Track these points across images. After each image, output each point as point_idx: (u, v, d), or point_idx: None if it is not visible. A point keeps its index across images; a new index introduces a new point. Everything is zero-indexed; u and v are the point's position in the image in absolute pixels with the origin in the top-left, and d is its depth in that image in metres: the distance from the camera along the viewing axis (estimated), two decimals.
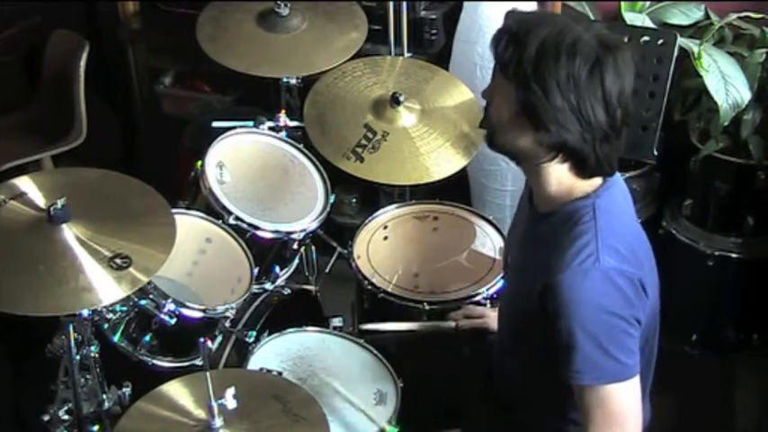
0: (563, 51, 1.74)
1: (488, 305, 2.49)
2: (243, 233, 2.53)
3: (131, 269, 2.03)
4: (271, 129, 2.78)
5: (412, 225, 2.79)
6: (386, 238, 2.76)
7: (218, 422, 1.81)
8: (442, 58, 3.34)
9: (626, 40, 2.69)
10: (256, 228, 2.55)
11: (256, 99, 3.49)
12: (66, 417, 2.34)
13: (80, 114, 3.45)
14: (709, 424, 3.05)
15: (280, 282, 2.68)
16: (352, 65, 2.87)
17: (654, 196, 3.34)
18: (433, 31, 3.43)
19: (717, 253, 3.15)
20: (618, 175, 1.93)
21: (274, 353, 2.35)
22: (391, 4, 3.18)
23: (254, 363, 2.29)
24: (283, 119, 2.80)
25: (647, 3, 3.21)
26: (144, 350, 2.39)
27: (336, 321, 2.52)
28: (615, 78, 1.76)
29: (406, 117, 2.72)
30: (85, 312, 2.17)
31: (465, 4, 3.27)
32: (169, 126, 3.84)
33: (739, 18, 3.06)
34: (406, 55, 3.23)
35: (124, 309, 2.33)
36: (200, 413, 1.86)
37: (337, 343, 2.40)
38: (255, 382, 2.09)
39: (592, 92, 1.75)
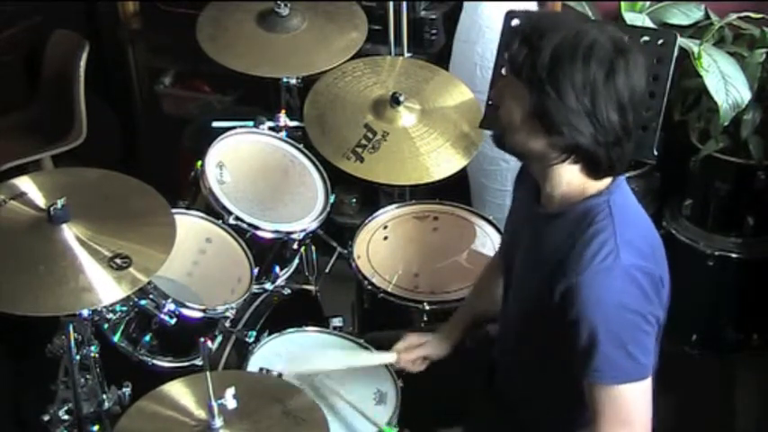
0: (579, 55, 1.73)
1: None
2: (243, 233, 2.53)
3: (131, 269, 2.03)
4: (271, 129, 2.78)
5: (412, 225, 2.79)
6: (386, 238, 2.76)
7: (219, 422, 1.81)
8: (442, 58, 3.34)
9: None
10: (256, 228, 2.55)
11: (256, 99, 3.49)
12: (66, 417, 2.34)
13: (80, 114, 3.44)
14: (709, 424, 3.05)
15: (280, 282, 2.68)
16: (352, 65, 2.87)
17: (654, 196, 3.33)
18: (433, 31, 3.42)
19: (717, 253, 3.14)
20: None
21: (274, 353, 2.34)
22: (391, 4, 3.18)
23: (254, 363, 2.29)
24: (283, 119, 2.80)
25: (647, 3, 3.20)
26: (144, 350, 2.39)
27: (336, 321, 2.53)
28: (629, 81, 1.76)
29: (406, 117, 2.73)
30: (85, 312, 2.18)
31: (465, 4, 3.27)
32: (169, 126, 3.83)
33: (739, 18, 3.06)
34: (406, 55, 3.24)
35: (124, 309, 2.33)
36: (201, 413, 1.86)
37: (337, 343, 2.40)
38: (255, 382, 2.09)
39: (607, 95, 1.74)
